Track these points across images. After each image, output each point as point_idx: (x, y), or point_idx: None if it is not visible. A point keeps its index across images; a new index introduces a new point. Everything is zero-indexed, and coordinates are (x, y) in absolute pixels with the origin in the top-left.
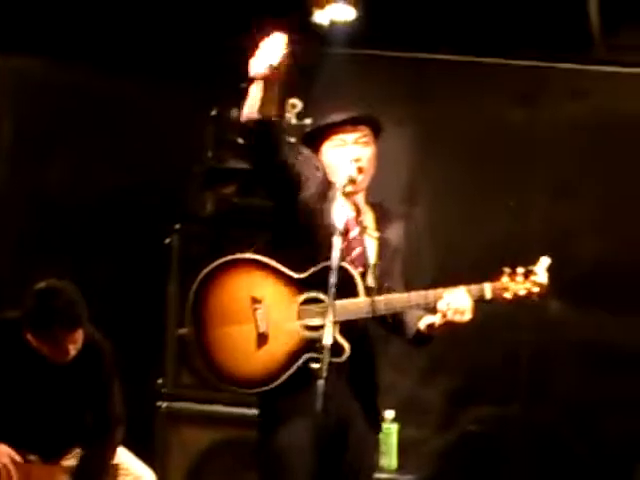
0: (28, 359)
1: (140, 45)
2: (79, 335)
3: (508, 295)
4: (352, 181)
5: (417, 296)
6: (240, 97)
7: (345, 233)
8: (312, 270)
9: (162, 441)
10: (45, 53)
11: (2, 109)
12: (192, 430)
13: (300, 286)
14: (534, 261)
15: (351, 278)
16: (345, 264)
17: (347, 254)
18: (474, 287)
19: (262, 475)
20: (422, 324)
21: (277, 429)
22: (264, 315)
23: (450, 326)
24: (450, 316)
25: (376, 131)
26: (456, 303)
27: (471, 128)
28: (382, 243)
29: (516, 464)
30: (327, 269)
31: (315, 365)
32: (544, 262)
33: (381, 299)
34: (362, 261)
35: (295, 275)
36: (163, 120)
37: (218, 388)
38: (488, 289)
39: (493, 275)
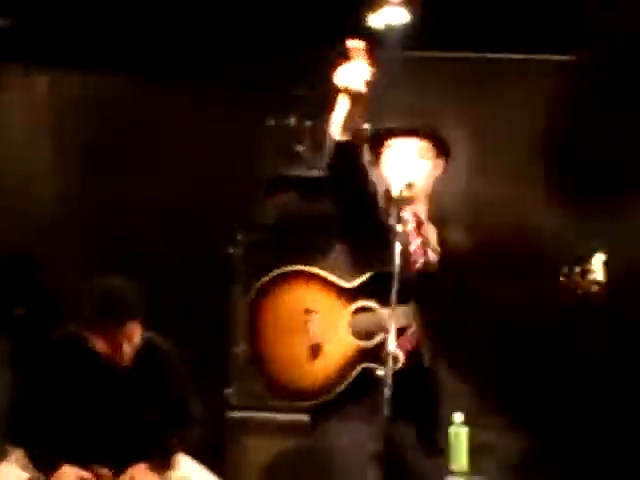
0: (94, 369)
1: (193, 56)
2: (132, 331)
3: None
4: (409, 186)
5: None
6: (295, 104)
7: (406, 244)
8: (362, 279)
9: (232, 451)
10: (100, 67)
11: (65, 123)
12: (261, 439)
13: (351, 295)
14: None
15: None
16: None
17: (407, 264)
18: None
19: None
20: None
21: (333, 438)
22: (317, 326)
23: None
24: None
25: (440, 149)
26: None
27: (527, 127)
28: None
29: None
30: (378, 277)
31: (380, 372)
32: (599, 258)
33: None
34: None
35: (346, 285)
36: (222, 130)
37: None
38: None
39: (549, 277)
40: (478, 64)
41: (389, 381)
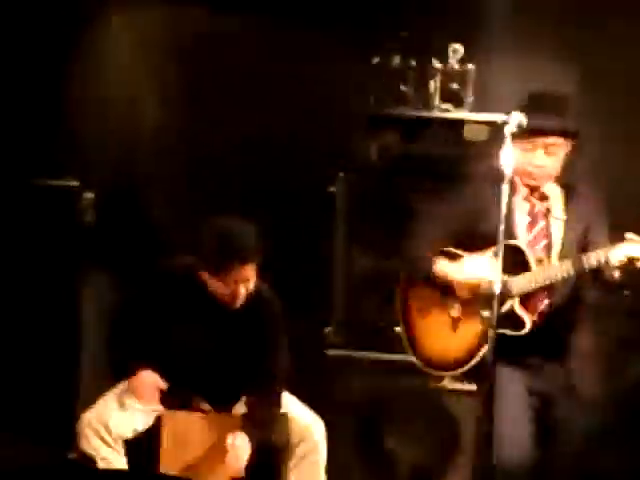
0: (200, 304)
1: None
2: (251, 273)
3: None
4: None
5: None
6: (400, 44)
7: (532, 225)
8: (489, 251)
9: (332, 390)
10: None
11: (166, 55)
12: (361, 378)
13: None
14: None
15: (522, 253)
16: (517, 243)
17: (534, 245)
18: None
19: None
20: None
21: None
22: (455, 300)
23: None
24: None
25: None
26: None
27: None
28: (570, 222)
29: None
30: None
31: (486, 313)
32: None
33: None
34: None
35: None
36: (326, 68)
37: (385, 335)
38: None
39: None
40: None
41: (494, 324)
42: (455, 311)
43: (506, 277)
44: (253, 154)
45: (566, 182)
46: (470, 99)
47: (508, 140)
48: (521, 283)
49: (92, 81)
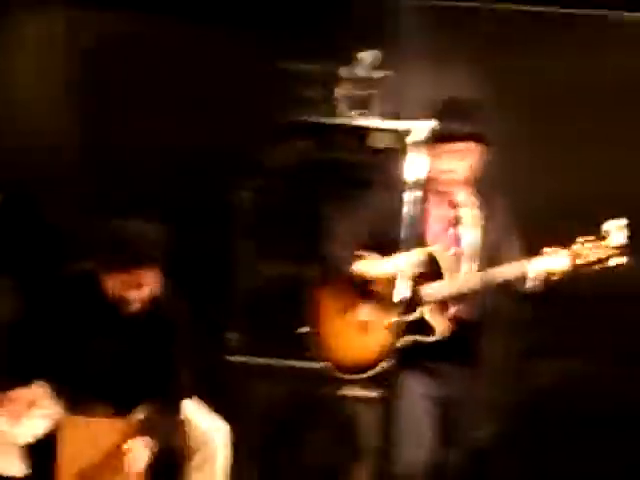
0: (100, 309)
1: None
2: (147, 278)
3: (582, 262)
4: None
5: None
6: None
7: (442, 232)
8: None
9: (233, 395)
10: (114, 4)
11: (71, 61)
12: (263, 384)
13: None
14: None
15: (435, 261)
16: (433, 249)
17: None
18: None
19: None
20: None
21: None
22: (365, 303)
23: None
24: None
25: (483, 143)
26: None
27: (545, 80)
28: (485, 230)
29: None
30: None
31: (393, 319)
32: (614, 224)
33: (477, 274)
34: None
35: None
36: (231, 73)
37: (289, 342)
38: (565, 256)
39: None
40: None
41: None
42: (364, 315)
43: (419, 284)
44: (160, 159)
45: (478, 190)
46: (379, 106)
47: (412, 148)
48: (433, 291)
49: None
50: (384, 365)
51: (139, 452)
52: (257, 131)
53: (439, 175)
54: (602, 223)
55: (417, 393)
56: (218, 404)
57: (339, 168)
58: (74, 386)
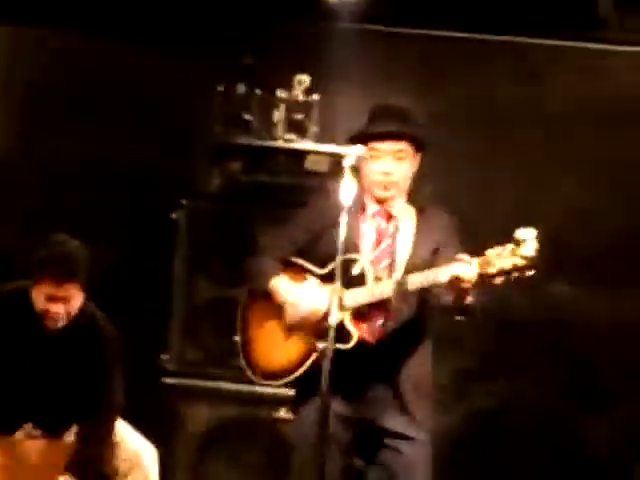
0: (27, 327)
1: (149, 17)
2: (69, 293)
3: (493, 270)
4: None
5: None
6: (245, 73)
7: (377, 243)
8: (332, 265)
9: (166, 417)
10: (57, 22)
11: (15, 77)
12: (197, 406)
13: (324, 281)
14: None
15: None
16: (356, 256)
17: (377, 263)
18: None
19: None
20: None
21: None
22: (291, 309)
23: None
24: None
25: (418, 146)
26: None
27: (481, 105)
28: (418, 243)
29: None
30: (346, 262)
31: (320, 345)
32: (528, 234)
33: (390, 281)
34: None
35: (318, 270)
36: (170, 94)
37: (223, 364)
38: (474, 264)
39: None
40: (433, 40)
41: (329, 354)
42: (287, 322)
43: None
44: (97, 178)
45: (416, 201)
46: (314, 130)
47: (347, 171)
48: (353, 297)
49: None
50: (301, 372)
51: None
52: (196, 152)
53: (376, 177)
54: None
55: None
56: (150, 426)
57: (274, 190)
58: (2, 406)
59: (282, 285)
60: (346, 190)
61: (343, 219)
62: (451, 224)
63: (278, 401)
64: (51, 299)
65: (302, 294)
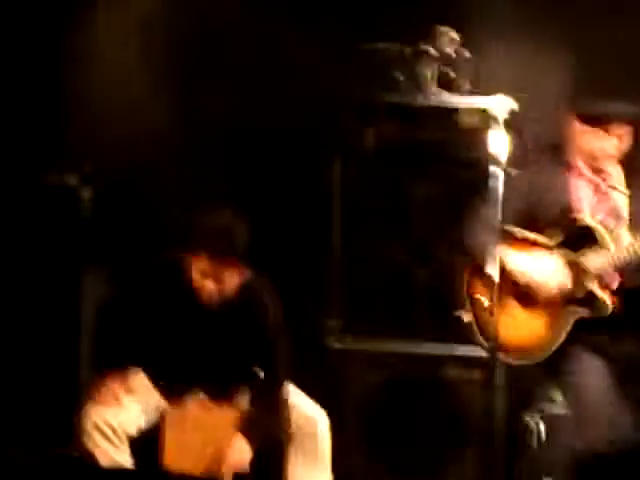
0: (184, 300)
1: None
2: (229, 273)
3: None
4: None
5: None
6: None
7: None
8: (559, 233)
9: (333, 381)
10: None
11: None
12: (363, 369)
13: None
14: None
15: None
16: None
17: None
18: None
19: None
20: None
21: None
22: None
23: None
24: None
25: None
26: None
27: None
28: (634, 200)
29: None
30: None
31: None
32: None
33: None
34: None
35: (548, 241)
36: (317, 55)
37: (387, 325)
38: None
39: None
40: None
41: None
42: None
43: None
44: (248, 137)
45: (624, 159)
46: (466, 86)
47: (501, 124)
48: (598, 261)
49: (86, 79)
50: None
51: (243, 449)
52: (346, 112)
53: (597, 152)
54: None
55: (594, 373)
56: (317, 391)
57: (429, 148)
58: (168, 373)
59: (520, 262)
60: (499, 144)
61: (495, 172)
62: None
63: (445, 361)
64: (207, 275)
65: (545, 269)
